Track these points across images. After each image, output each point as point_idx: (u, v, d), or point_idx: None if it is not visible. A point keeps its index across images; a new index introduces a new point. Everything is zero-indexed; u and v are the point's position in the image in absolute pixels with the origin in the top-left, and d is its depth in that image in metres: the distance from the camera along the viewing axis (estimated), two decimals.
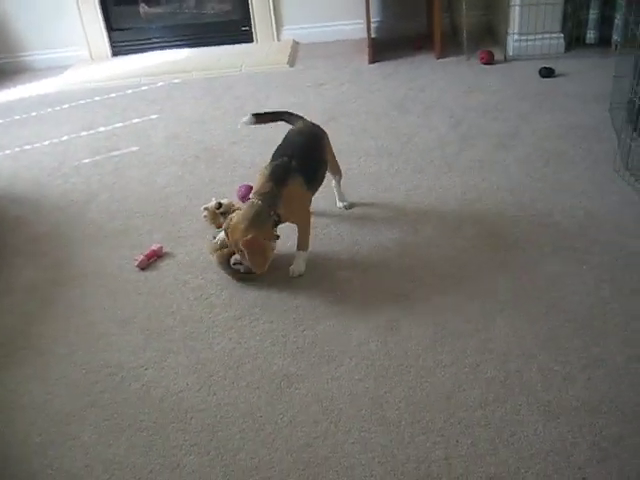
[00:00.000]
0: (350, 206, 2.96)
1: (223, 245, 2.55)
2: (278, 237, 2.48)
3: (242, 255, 2.39)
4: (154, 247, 2.74)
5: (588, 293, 2.31)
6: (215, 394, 2.07)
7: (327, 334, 2.25)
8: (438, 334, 2.20)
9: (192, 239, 2.84)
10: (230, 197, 3.02)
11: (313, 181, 2.61)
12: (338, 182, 2.93)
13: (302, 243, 2.58)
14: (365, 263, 2.57)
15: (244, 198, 3.02)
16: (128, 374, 2.18)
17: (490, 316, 2.26)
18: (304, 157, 2.56)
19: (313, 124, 2.81)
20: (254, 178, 3.12)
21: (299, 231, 2.58)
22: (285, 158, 2.53)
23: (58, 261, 2.81)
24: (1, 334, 2.44)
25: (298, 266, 2.57)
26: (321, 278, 2.52)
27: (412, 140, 3.45)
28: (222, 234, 2.54)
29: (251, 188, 3.00)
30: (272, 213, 2.40)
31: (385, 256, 2.60)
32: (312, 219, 2.63)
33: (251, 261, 2.38)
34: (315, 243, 2.68)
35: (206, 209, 2.91)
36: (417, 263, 2.54)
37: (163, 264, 2.71)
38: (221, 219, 2.87)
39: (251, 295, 2.47)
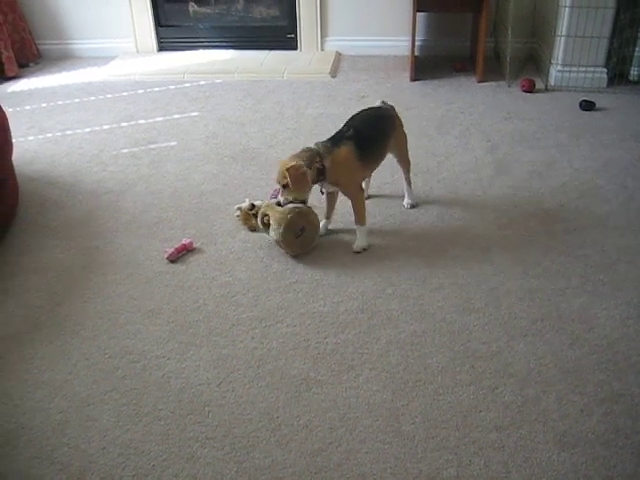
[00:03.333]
0: (414, 205, 3.05)
1: (248, 209, 2.85)
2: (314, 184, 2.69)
3: (286, 188, 2.62)
4: (185, 241, 2.79)
5: (613, 328, 2.31)
6: (234, 391, 2.09)
7: (349, 343, 2.27)
8: (459, 353, 2.21)
9: (223, 237, 2.88)
10: (264, 199, 3.05)
11: (367, 154, 2.74)
12: (406, 175, 3.03)
13: (358, 217, 2.76)
14: (393, 278, 2.59)
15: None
16: (150, 363, 2.22)
17: (513, 340, 2.26)
18: (363, 129, 2.73)
19: (390, 107, 2.96)
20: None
21: (352, 205, 2.77)
22: (344, 127, 2.76)
23: (90, 247, 2.86)
24: (29, 310, 2.49)
25: (360, 242, 2.77)
26: (346, 287, 2.54)
27: (448, 160, 3.47)
28: (245, 203, 2.87)
29: None
30: (318, 160, 2.62)
31: (411, 272, 2.62)
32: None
33: (294, 186, 2.59)
34: (343, 251, 2.72)
35: (239, 209, 2.95)
36: (444, 282, 2.56)
37: (192, 259, 2.75)
38: (253, 220, 2.91)
39: (277, 298, 2.50)
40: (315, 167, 2.62)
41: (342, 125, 2.80)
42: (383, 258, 2.71)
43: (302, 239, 2.72)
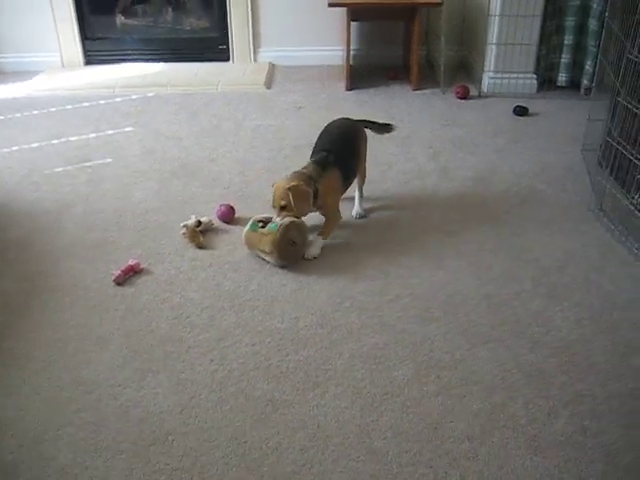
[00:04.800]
0: (363, 216, 3.05)
1: (194, 226, 2.84)
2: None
3: (285, 207, 2.66)
4: (131, 262, 2.68)
5: (570, 330, 2.34)
6: (197, 417, 2.01)
7: (311, 359, 2.22)
8: (423, 364, 2.20)
9: (171, 256, 2.79)
10: (209, 215, 2.98)
11: (348, 176, 2.89)
12: (361, 185, 3.07)
13: (325, 231, 2.83)
14: (349, 290, 2.56)
15: (224, 217, 2.99)
16: (105, 392, 2.11)
17: (475, 348, 2.27)
18: (342, 153, 2.87)
19: (352, 121, 3.08)
20: (233, 197, 3.15)
21: (327, 223, 2.86)
22: (325, 152, 2.84)
23: (31, 272, 2.71)
24: None
25: (314, 249, 2.77)
26: (303, 301, 2.50)
27: (391, 169, 3.48)
28: (191, 220, 2.86)
29: (231, 208, 2.99)
30: (313, 183, 2.71)
31: (367, 283, 2.60)
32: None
33: (296, 205, 2.65)
34: (294, 265, 2.67)
35: (185, 226, 2.87)
36: (401, 292, 2.54)
37: (141, 280, 2.64)
38: (201, 237, 2.83)
39: (232, 317, 2.43)
40: (313, 190, 2.71)
41: (317, 141, 2.96)
42: (336, 271, 2.68)
43: (294, 249, 2.70)
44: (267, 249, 2.66)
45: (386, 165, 3.52)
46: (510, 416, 2.00)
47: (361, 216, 3.05)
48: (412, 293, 2.54)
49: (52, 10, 4.87)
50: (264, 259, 2.72)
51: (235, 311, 2.46)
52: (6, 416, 2.03)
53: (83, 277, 2.66)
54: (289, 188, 2.64)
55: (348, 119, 3.11)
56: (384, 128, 3.25)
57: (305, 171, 2.75)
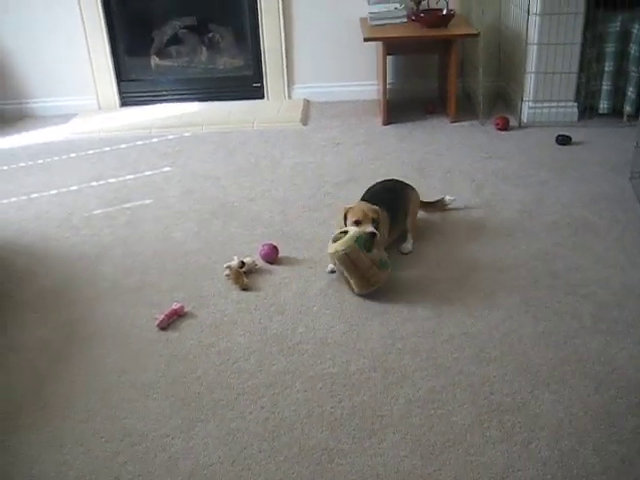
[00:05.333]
0: (410, 251, 3.00)
1: (238, 267, 2.80)
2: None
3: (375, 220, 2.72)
4: (175, 306, 2.62)
5: (636, 368, 2.22)
6: (250, 469, 1.92)
7: (366, 405, 2.12)
8: (484, 408, 2.09)
9: (214, 298, 2.72)
10: (252, 256, 2.92)
11: (392, 224, 2.94)
12: (411, 231, 3.07)
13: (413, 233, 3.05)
14: (400, 331, 2.47)
15: (267, 257, 2.92)
16: (153, 444, 2.03)
17: (536, 390, 2.15)
18: (388, 201, 2.94)
19: (401, 181, 3.19)
20: (274, 237, 3.09)
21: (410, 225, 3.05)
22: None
23: (71, 318, 2.66)
24: (10, 395, 2.28)
25: (409, 244, 3.01)
26: (353, 344, 2.41)
27: None
28: (234, 261, 2.82)
29: (274, 247, 2.93)
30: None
31: (418, 324, 2.50)
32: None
33: (384, 227, 2.79)
34: (344, 305, 2.60)
35: (229, 267, 2.81)
36: (454, 331, 2.44)
37: (184, 324, 2.58)
38: (244, 279, 2.76)
39: (281, 361, 2.34)
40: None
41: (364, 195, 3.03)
42: (386, 311, 2.58)
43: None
44: (372, 281, 2.62)
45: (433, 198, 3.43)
46: (582, 464, 1.88)
47: (408, 251, 2.96)
48: (466, 332, 2.44)
49: (88, 53, 4.91)
50: (345, 278, 2.67)
51: (284, 355, 2.37)
52: (48, 470, 1.96)
53: (124, 322, 2.61)
54: (373, 212, 2.73)
55: (398, 180, 3.19)
56: (438, 204, 3.31)
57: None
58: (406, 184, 3.16)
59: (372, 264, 2.61)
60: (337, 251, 2.60)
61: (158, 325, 2.55)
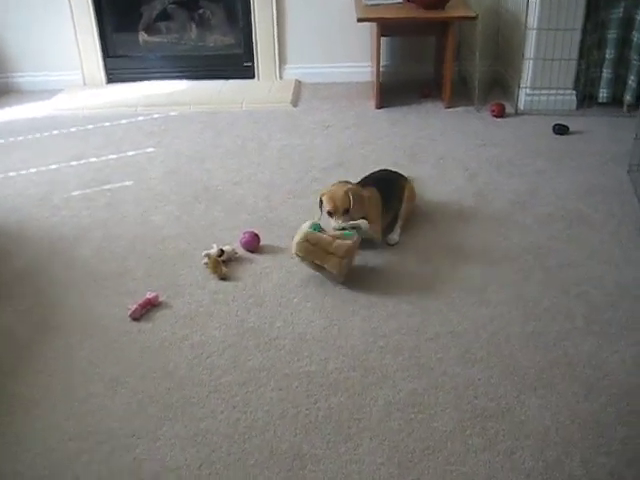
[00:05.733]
0: (396, 242, 2.88)
1: (217, 256, 2.69)
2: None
3: (348, 211, 2.64)
4: (149, 295, 2.51)
5: (628, 374, 2.12)
6: (218, 474, 1.82)
7: (343, 407, 2.02)
8: (467, 413, 1.99)
9: (191, 288, 2.61)
10: (232, 243, 2.81)
11: (385, 207, 2.85)
12: (403, 218, 2.96)
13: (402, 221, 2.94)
14: (383, 328, 2.36)
15: (248, 245, 2.81)
16: (118, 444, 1.93)
17: (523, 394, 2.05)
18: (381, 185, 2.88)
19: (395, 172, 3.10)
20: (258, 224, 2.97)
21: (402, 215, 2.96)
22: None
23: (41, 304, 2.55)
24: None
25: (395, 235, 2.88)
26: (333, 340, 2.30)
27: (426, 191, 3.27)
28: (213, 249, 2.70)
29: (256, 235, 2.82)
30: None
31: (402, 321, 2.39)
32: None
33: (355, 208, 2.63)
34: (325, 299, 2.49)
35: (207, 256, 2.70)
36: (440, 330, 2.34)
37: (159, 315, 2.47)
38: (223, 268, 2.65)
39: (257, 357, 2.24)
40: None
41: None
42: (369, 306, 2.47)
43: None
44: (340, 253, 2.49)
45: (421, 187, 3.31)
46: (567, 476, 1.78)
47: (395, 242, 2.85)
48: (452, 331, 2.33)
49: (74, 27, 4.74)
50: (321, 269, 2.55)
51: (260, 351, 2.27)
52: (6, 470, 1.86)
53: (96, 312, 2.49)
54: (348, 190, 2.64)
55: (394, 171, 3.10)
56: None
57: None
58: (400, 174, 3.07)
59: (334, 238, 2.52)
60: (297, 244, 2.51)
61: (131, 315, 2.44)
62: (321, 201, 2.71)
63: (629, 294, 2.50)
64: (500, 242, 2.84)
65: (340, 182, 2.78)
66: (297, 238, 2.51)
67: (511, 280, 2.59)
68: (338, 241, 2.51)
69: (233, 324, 2.40)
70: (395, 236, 2.88)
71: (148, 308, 2.49)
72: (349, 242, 2.52)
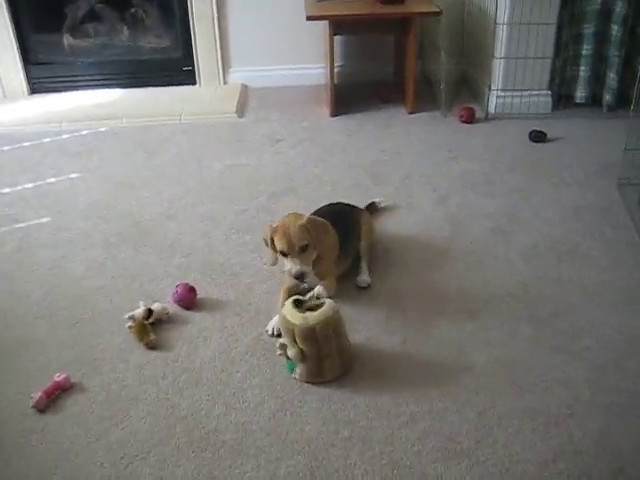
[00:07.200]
0: (369, 285, 2.45)
1: (143, 318, 2.22)
2: None
3: (307, 248, 2.19)
4: (57, 377, 2.02)
5: None
6: None
7: None
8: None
9: (112, 362, 2.13)
10: (163, 299, 2.34)
11: (343, 247, 2.41)
12: (366, 252, 2.55)
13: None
14: (345, 412, 1.92)
15: (182, 301, 2.34)
16: None
17: None
18: (336, 221, 2.40)
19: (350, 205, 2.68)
20: (194, 269, 2.53)
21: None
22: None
23: None
24: None
25: (365, 275, 2.45)
26: (285, 432, 1.85)
27: (391, 219, 2.84)
28: (140, 309, 2.24)
29: (191, 289, 2.38)
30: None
31: (369, 400, 1.95)
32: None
33: (318, 240, 2.21)
34: (277, 376, 2.03)
35: (132, 318, 2.23)
36: (415, 410, 1.90)
37: (70, 402, 1.99)
38: (151, 334, 2.19)
39: (190, 462, 1.78)
40: None
41: None
42: (328, 381, 2.03)
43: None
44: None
45: (383, 214, 2.87)
46: None
47: (367, 284, 2.44)
48: (430, 411, 1.90)
49: None
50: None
51: (195, 451, 1.81)
52: None
53: None
54: (306, 222, 2.20)
55: (346, 203, 2.67)
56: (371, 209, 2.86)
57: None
58: (354, 206, 2.65)
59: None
60: (313, 323, 1.94)
61: (35, 406, 1.96)
62: (272, 239, 2.25)
63: (638, 346, 2.10)
64: (479, 286, 2.42)
65: (292, 214, 2.29)
66: (315, 317, 1.96)
67: (494, 338, 2.17)
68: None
69: (162, 413, 1.94)
70: (365, 277, 2.45)
71: (57, 393, 2.01)
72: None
